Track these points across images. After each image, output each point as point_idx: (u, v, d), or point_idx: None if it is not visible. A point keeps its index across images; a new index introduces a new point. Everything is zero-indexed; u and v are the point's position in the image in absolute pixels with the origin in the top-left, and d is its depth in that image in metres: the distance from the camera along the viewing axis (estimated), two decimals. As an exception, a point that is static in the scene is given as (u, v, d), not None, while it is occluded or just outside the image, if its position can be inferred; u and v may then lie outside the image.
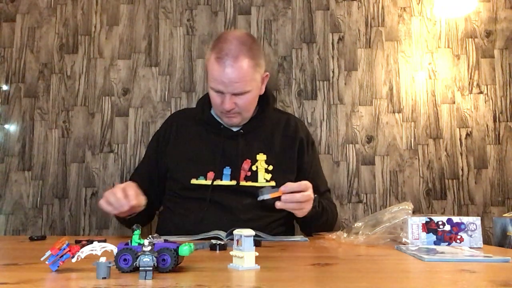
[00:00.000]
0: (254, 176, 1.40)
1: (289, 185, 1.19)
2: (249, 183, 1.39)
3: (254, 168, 1.41)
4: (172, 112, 1.85)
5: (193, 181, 1.39)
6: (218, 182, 1.38)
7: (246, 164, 1.41)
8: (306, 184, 1.23)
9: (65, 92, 1.91)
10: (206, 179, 1.39)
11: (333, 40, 1.95)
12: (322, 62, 1.93)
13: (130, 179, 1.57)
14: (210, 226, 1.23)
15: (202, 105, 1.52)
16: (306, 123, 1.89)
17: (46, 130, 1.89)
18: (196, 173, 1.40)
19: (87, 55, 1.93)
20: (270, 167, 1.42)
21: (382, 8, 1.96)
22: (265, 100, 1.51)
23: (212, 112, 1.50)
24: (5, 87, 1.91)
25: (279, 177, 1.41)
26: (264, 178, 1.40)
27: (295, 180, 1.45)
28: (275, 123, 1.52)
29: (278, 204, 1.18)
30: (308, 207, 1.25)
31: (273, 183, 1.38)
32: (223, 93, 1.36)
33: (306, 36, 1.95)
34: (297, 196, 1.19)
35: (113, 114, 1.90)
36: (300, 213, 1.27)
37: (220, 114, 1.44)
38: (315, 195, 1.29)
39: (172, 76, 1.92)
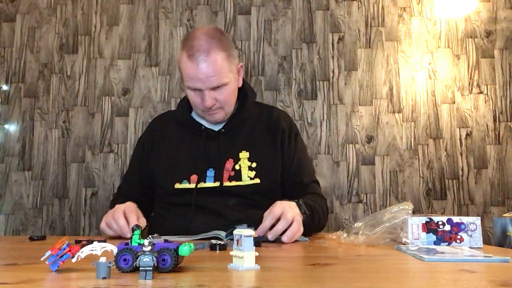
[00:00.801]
0: (238, 176, 1.36)
1: (262, 227, 1.11)
2: (233, 183, 1.35)
3: (237, 167, 1.37)
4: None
5: (177, 185, 1.36)
6: (201, 185, 1.35)
7: (229, 164, 1.38)
8: (280, 209, 1.13)
9: (65, 92, 1.91)
10: (189, 183, 1.36)
11: (333, 40, 1.95)
12: (322, 62, 1.93)
13: (120, 189, 1.53)
14: (198, 230, 1.20)
15: (181, 107, 1.49)
16: (306, 123, 1.89)
17: (46, 130, 1.89)
18: (179, 177, 1.37)
19: (87, 55, 1.93)
20: (254, 164, 1.37)
21: (382, 8, 1.96)
22: (244, 95, 1.47)
23: (193, 114, 1.47)
24: (5, 87, 1.91)
25: (263, 174, 1.37)
26: (248, 176, 1.36)
27: (280, 175, 1.41)
28: (257, 118, 1.47)
29: (285, 239, 1.10)
30: (300, 224, 1.15)
31: (257, 181, 1.35)
32: (201, 91, 1.32)
33: (306, 36, 1.95)
34: (279, 228, 1.10)
35: (113, 114, 1.90)
36: (299, 233, 1.17)
37: (202, 113, 1.39)
38: (298, 201, 1.22)
39: (172, 76, 1.92)
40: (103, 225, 1.22)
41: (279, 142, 1.44)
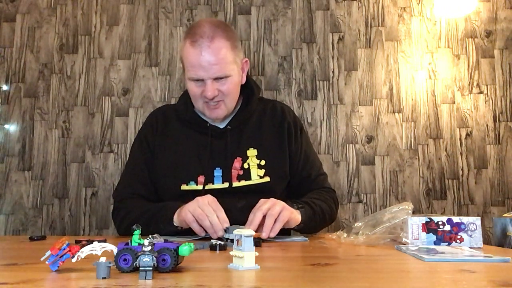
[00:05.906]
0: (247, 174, 1.32)
1: (253, 222, 1.11)
2: (243, 183, 1.31)
3: (245, 165, 1.33)
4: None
5: (184, 187, 1.30)
6: (209, 186, 1.30)
7: (237, 163, 1.33)
8: (264, 203, 1.14)
9: (65, 92, 1.91)
10: (197, 184, 1.30)
11: (333, 40, 1.95)
12: (322, 62, 1.93)
13: (127, 188, 1.38)
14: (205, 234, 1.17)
15: (184, 102, 1.41)
16: (306, 123, 1.89)
17: (46, 130, 1.89)
18: (185, 178, 1.31)
19: (87, 55, 1.93)
20: (263, 162, 1.34)
21: (382, 8, 1.96)
22: (249, 91, 1.42)
23: (197, 110, 1.40)
24: (5, 87, 1.91)
25: (273, 171, 1.34)
26: (258, 175, 1.32)
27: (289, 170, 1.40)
28: (262, 113, 1.43)
29: (263, 235, 1.10)
30: (287, 213, 1.15)
31: (267, 179, 1.32)
32: (203, 81, 1.27)
33: (306, 36, 1.95)
34: (268, 223, 1.11)
35: (113, 114, 1.90)
36: (290, 224, 1.18)
37: (203, 107, 1.34)
38: (292, 203, 1.22)
39: (172, 76, 1.92)
40: (189, 216, 1.11)
41: (286, 138, 1.41)
